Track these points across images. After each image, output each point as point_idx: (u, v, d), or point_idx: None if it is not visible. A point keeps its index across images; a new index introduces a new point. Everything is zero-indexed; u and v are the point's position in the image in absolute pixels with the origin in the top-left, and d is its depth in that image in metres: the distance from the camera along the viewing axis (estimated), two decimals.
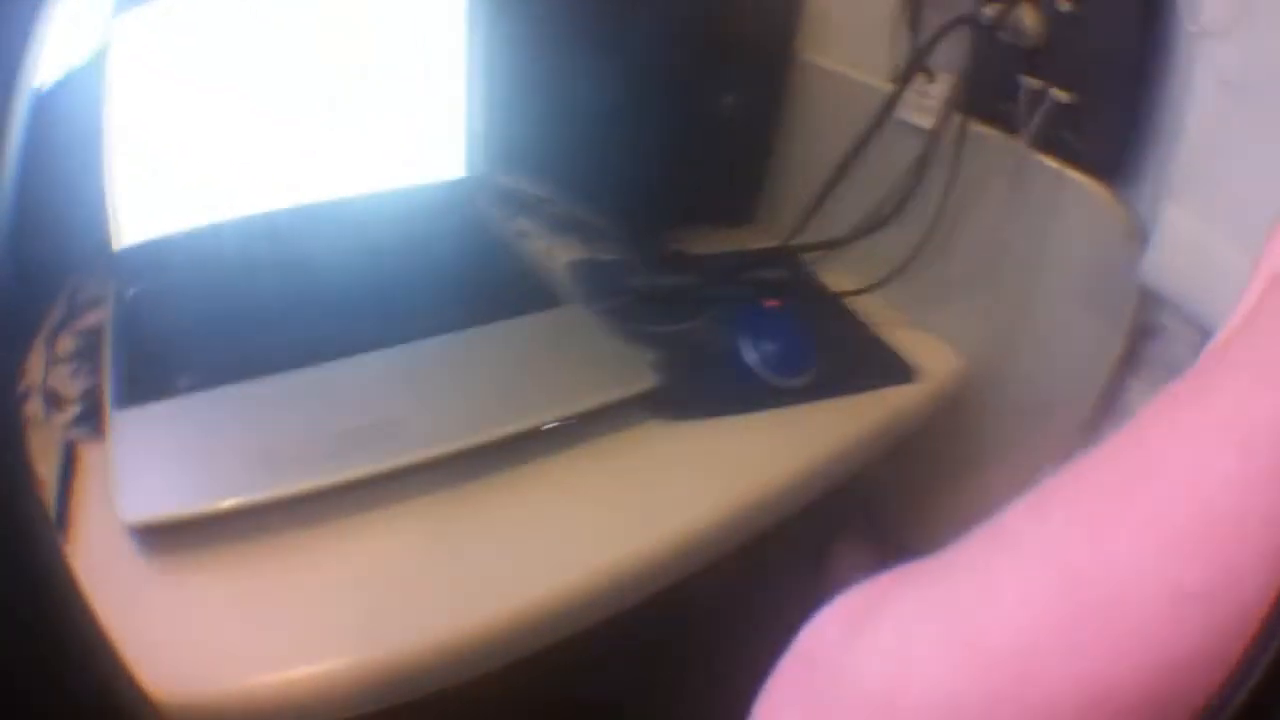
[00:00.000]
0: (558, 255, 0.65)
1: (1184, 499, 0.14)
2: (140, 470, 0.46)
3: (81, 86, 0.50)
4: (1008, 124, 0.57)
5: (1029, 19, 0.54)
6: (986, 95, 0.57)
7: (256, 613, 0.43)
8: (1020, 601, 0.16)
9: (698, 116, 0.62)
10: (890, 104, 0.61)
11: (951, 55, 0.59)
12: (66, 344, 0.53)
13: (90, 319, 0.54)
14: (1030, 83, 0.55)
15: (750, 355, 0.57)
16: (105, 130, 0.51)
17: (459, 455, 0.48)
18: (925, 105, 0.60)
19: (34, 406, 0.51)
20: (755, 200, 0.68)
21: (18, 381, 0.45)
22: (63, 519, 0.46)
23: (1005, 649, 0.15)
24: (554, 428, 0.51)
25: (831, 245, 0.65)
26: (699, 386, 0.55)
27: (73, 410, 0.50)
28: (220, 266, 0.55)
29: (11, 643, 0.36)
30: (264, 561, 0.44)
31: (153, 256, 0.54)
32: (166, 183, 0.54)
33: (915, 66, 0.60)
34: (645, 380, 0.53)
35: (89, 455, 0.48)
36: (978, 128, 0.59)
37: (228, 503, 0.45)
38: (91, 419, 0.49)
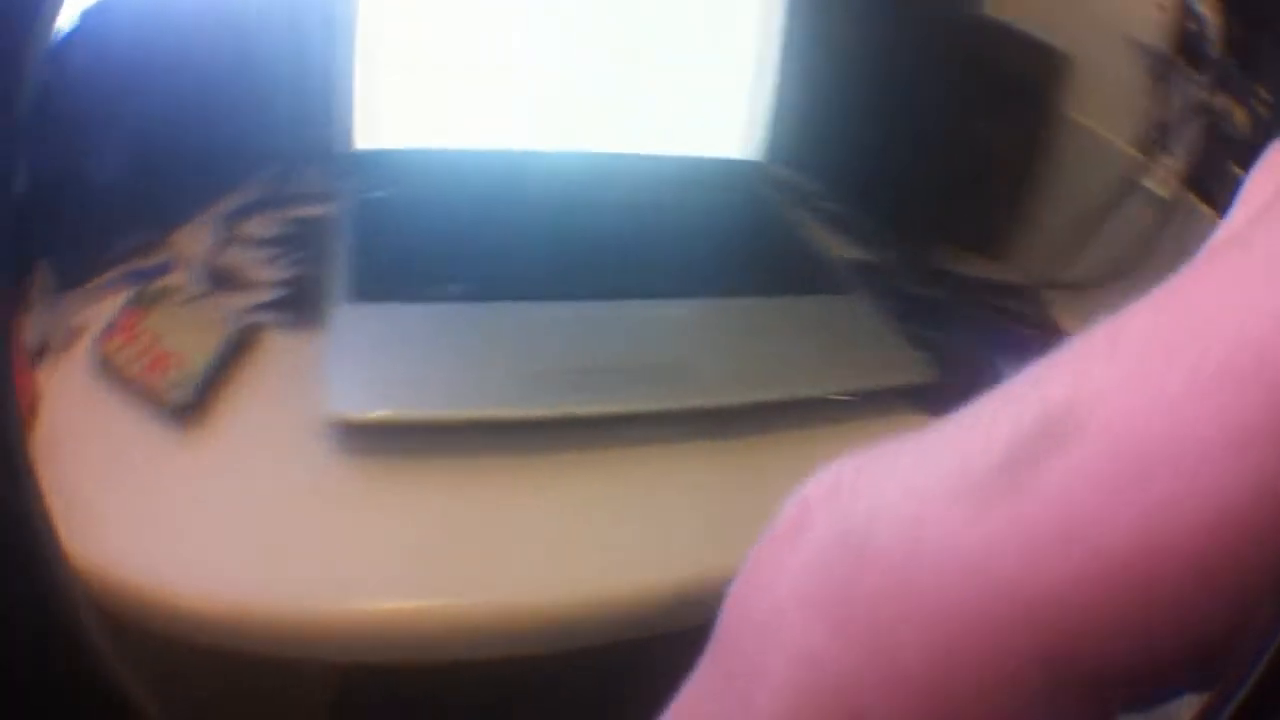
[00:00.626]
0: (833, 248, 0.65)
1: (1233, 338, 0.13)
2: (358, 367, 0.44)
3: None
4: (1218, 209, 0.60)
5: (1238, 115, 0.57)
6: (1207, 179, 0.61)
7: (438, 532, 0.42)
8: None
9: (975, 148, 0.64)
10: (1141, 168, 0.65)
11: (1182, 133, 0.63)
12: (261, 228, 0.49)
13: (299, 210, 0.50)
14: (1237, 172, 0.58)
15: (1009, 374, 0.56)
16: (356, 19, 0.49)
17: (722, 411, 0.46)
18: (1161, 177, 0.63)
19: (178, 279, 0.48)
20: (1009, 235, 0.70)
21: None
22: (201, 397, 0.44)
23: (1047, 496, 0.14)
24: (831, 400, 0.49)
25: (1076, 286, 0.67)
26: (961, 392, 0.53)
27: (257, 295, 0.46)
28: (466, 190, 0.52)
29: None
30: (460, 483, 0.43)
31: (393, 164, 0.51)
32: (421, 92, 0.51)
33: (1160, 140, 0.64)
34: (923, 373, 0.52)
35: (271, 342, 0.45)
36: (1203, 207, 0.62)
37: (449, 414, 0.43)
38: (291, 308, 0.46)
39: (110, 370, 0.46)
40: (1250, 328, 0.12)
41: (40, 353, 0.48)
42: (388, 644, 0.42)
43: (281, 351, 0.44)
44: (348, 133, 0.49)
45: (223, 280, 0.48)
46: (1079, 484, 0.13)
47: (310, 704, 0.57)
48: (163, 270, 0.49)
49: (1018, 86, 0.68)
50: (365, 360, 0.45)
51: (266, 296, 0.46)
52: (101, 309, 0.50)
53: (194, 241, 0.51)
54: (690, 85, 0.58)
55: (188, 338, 0.45)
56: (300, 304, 0.46)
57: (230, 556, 0.41)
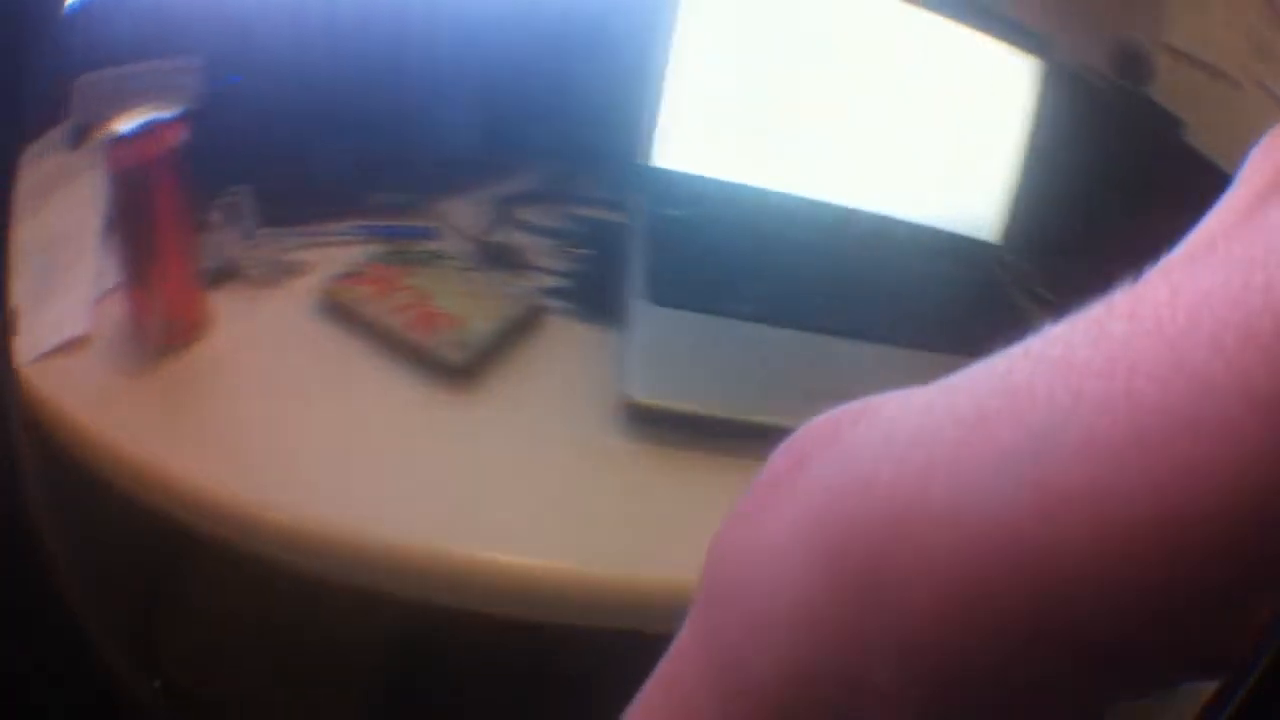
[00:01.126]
0: (1038, 325, 0.67)
1: (1258, 306, 0.12)
2: (653, 360, 0.48)
3: None
4: None
5: None
6: None
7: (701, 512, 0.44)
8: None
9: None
10: None
11: None
12: (542, 218, 0.52)
13: (581, 209, 0.54)
14: None
15: None
16: (670, 47, 0.53)
17: None
18: None
19: (447, 246, 0.52)
20: None
21: None
22: (479, 361, 0.47)
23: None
24: None
25: None
26: None
27: (541, 279, 0.50)
28: (744, 220, 0.56)
29: None
30: (718, 473, 0.45)
31: (682, 185, 0.54)
32: (716, 125, 0.55)
33: None
34: None
35: (554, 326, 0.48)
36: None
37: (724, 413, 0.47)
38: (575, 298, 0.49)
39: (347, 314, 0.50)
40: (1273, 296, 0.12)
41: (221, 276, 0.53)
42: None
43: (565, 335, 0.48)
44: (647, 148, 0.53)
45: (500, 258, 0.51)
46: (1102, 450, 0.13)
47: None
48: (423, 234, 0.53)
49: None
50: (659, 355, 0.48)
51: (552, 283, 0.49)
52: (328, 253, 0.54)
53: (463, 215, 0.54)
54: (950, 166, 0.62)
55: (467, 303, 0.48)
56: (585, 296, 0.49)
57: (499, 514, 0.43)
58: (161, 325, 0.54)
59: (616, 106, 0.53)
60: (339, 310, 0.50)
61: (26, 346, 0.65)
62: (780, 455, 0.18)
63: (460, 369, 0.46)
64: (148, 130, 0.53)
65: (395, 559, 0.43)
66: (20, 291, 0.76)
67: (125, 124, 0.54)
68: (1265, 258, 0.13)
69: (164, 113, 0.53)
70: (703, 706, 0.17)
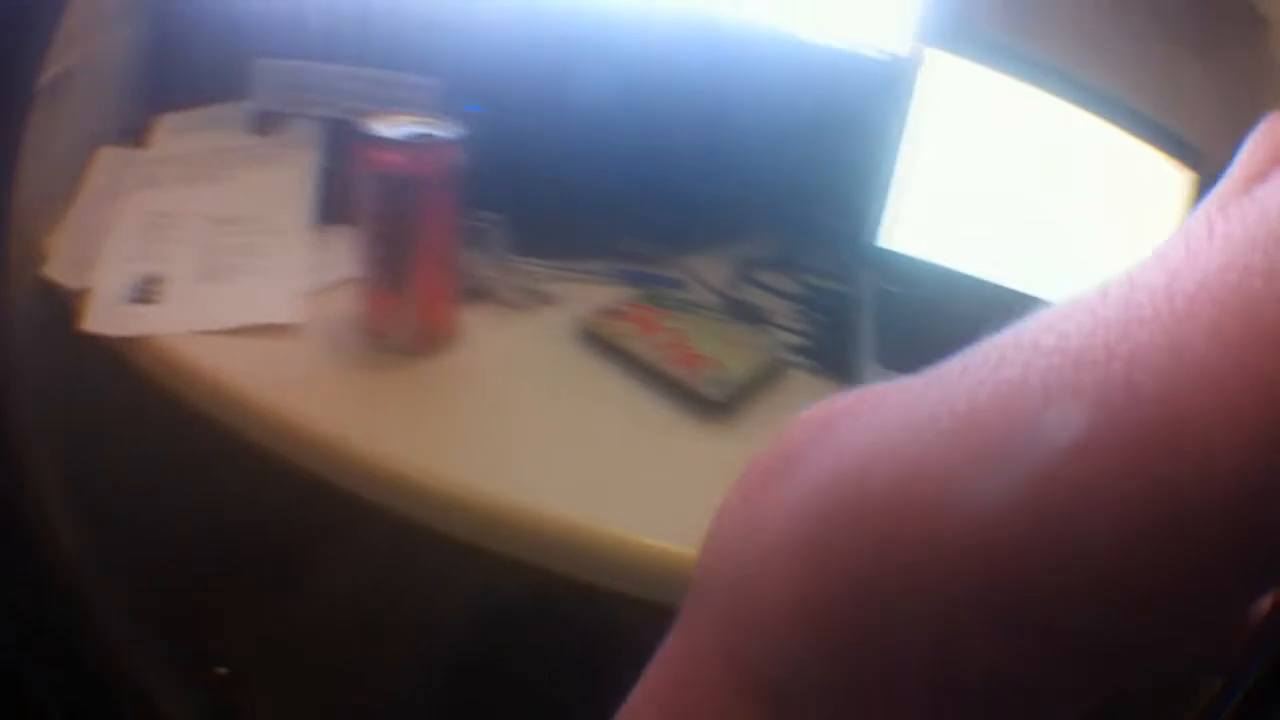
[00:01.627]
0: None
1: (1259, 294, 0.12)
2: None
3: (871, 77, 0.60)
4: None
5: None
6: None
7: None
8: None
9: None
10: None
11: None
12: (780, 281, 0.61)
13: (812, 277, 0.62)
14: None
15: None
16: (901, 145, 0.60)
17: None
18: None
19: (699, 297, 0.59)
20: None
21: None
22: (733, 400, 0.52)
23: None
24: None
25: None
26: None
27: (783, 335, 0.57)
28: (958, 302, 0.62)
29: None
30: None
31: (904, 266, 0.62)
32: (937, 215, 0.62)
33: None
34: None
35: (795, 378, 0.55)
36: None
37: None
38: (815, 356, 0.57)
39: (606, 345, 0.56)
40: (1275, 283, 0.12)
41: (472, 296, 0.60)
42: None
43: (805, 386, 0.54)
44: (876, 230, 0.60)
45: (743, 313, 0.58)
46: (1100, 446, 0.12)
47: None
48: (672, 283, 0.60)
49: None
50: None
51: (791, 340, 0.57)
52: (578, 288, 0.61)
53: (707, 270, 0.61)
54: (1112, 260, 0.69)
55: (722, 349, 0.54)
56: (822, 354, 0.56)
57: None
58: (412, 331, 0.59)
59: (852, 190, 0.61)
60: (597, 341, 0.56)
61: (188, 316, 0.71)
62: (772, 446, 0.18)
63: (719, 405, 0.51)
64: (421, 142, 0.56)
65: (650, 561, 0.47)
66: (176, 257, 0.75)
67: (387, 129, 0.57)
68: (1265, 240, 0.12)
69: (438, 129, 0.56)
70: (703, 696, 0.17)
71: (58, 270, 0.86)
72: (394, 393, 0.60)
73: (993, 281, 0.61)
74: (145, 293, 0.80)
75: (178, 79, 1.00)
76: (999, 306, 0.62)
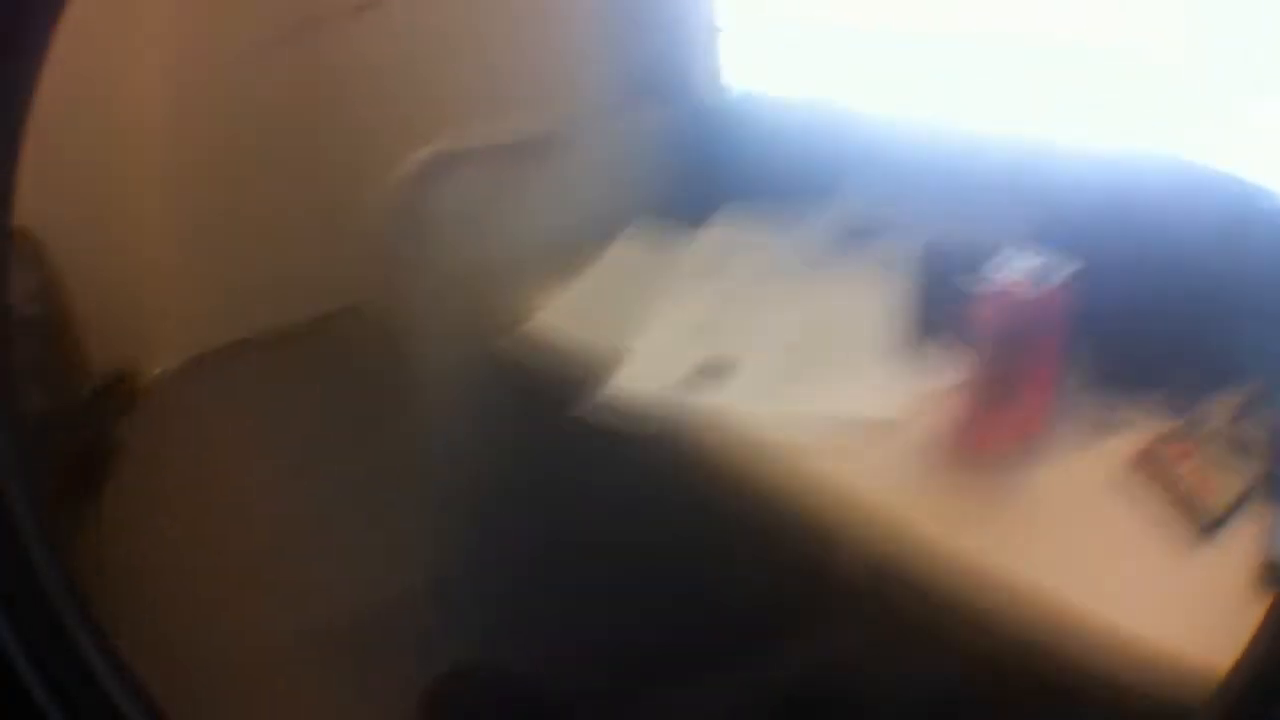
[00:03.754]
0: None
1: None
2: None
3: None
4: None
5: None
6: None
7: None
8: None
9: None
10: None
11: None
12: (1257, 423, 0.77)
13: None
14: None
15: None
16: None
17: None
18: None
19: (1213, 431, 0.76)
20: None
21: None
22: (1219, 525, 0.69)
23: None
24: None
25: None
26: None
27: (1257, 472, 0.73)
28: None
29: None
30: None
31: None
32: None
33: None
34: None
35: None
36: None
37: None
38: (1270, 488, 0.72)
39: (1151, 466, 0.72)
40: None
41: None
42: None
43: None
44: None
45: (1238, 448, 0.74)
46: None
47: None
48: (1200, 420, 0.76)
49: None
50: None
51: (1261, 472, 0.72)
52: (1132, 416, 0.77)
53: (1219, 407, 0.76)
54: None
55: (1223, 479, 0.71)
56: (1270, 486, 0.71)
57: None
58: (1005, 445, 0.74)
59: None
60: (1148, 462, 0.74)
61: (769, 400, 0.85)
62: None
63: (1208, 528, 0.69)
64: (1044, 279, 0.70)
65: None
66: (751, 345, 0.94)
67: (1012, 261, 0.71)
68: None
69: (1050, 261, 0.70)
70: None
71: (551, 329, 1.04)
72: (973, 495, 0.73)
73: None
74: (710, 374, 0.92)
75: (737, 174, 1.18)
76: None
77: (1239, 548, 0.69)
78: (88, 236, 2.26)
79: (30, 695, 0.42)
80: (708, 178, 1.23)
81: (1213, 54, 0.80)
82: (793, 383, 0.89)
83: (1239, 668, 0.41)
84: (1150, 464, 0.74)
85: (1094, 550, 0.70)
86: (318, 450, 2.26)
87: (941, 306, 0.93)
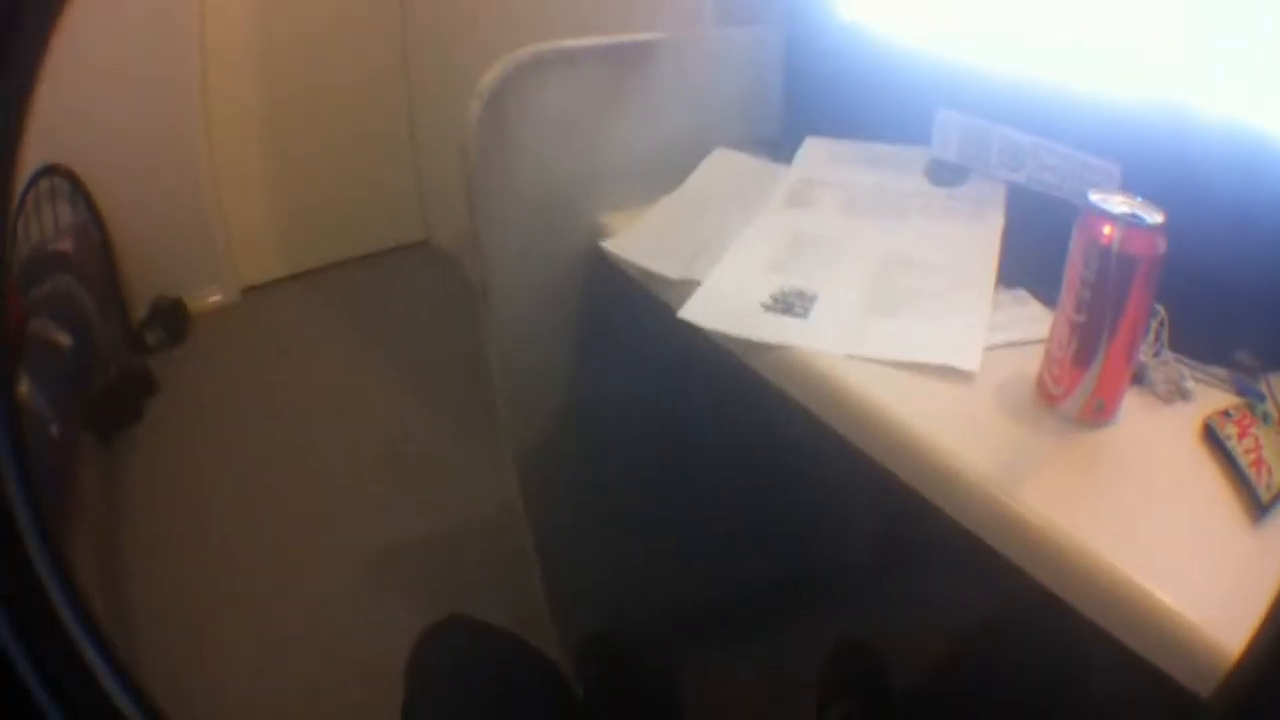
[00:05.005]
0: None
1: None
2: None
3: None
4: None
5: None
6: None
7: None
8: None
9: None
10: None
11: None
12: None
13: None
14: None
15: None
16: None
17: None
18: None
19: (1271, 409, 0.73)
20: None
21: None
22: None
23: None
24: None
25: None
26: None
27: None
28: None
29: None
30: None
31: None
32: None
33: None
34: None
35: None
36: None
37: None
38: None
39: (1213, 441, 0.70)
40: None
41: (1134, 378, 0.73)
42: None
43: None
44: None
45: None
46: None
47: None
48: (1260, 396, 0.74)
49: None
50: None
51: None
52: (1204, 389, 0.76)
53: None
54: None
55: (1276, 458, 0.68)
56: None
57: None
58: (1084, 402, 0.72)
59: None
60: (1213, 437, 0.71)
61: (846, 338, 0.81)
62: None
63: (1265, 507, 0.65)
64: (1141, 223, 0.67)
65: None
66: (835, 281, 0.90)
67: (1107, 203, 0.68)
68: None
69: (1144, 212, 0.67)
70: None
71: (630, 249, 1.02)
72: (1049, 455, 0.70)
73: None
74: (787, 305, 0.88)
75: (827, 104, 1.18)
76: None
77: None
78: (143, 174, 2.37)
79: (30, 695, 0.43)
80: (802, 106, 1.21)
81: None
82: (872, 323, 0.85)
83: (1244, 660, 0.40)
84: (1210, 439, 0.72)
85: (1149, 519, 0.67)
86: (367, 383, 2.27)
87: (1030, 252, 0.91)
